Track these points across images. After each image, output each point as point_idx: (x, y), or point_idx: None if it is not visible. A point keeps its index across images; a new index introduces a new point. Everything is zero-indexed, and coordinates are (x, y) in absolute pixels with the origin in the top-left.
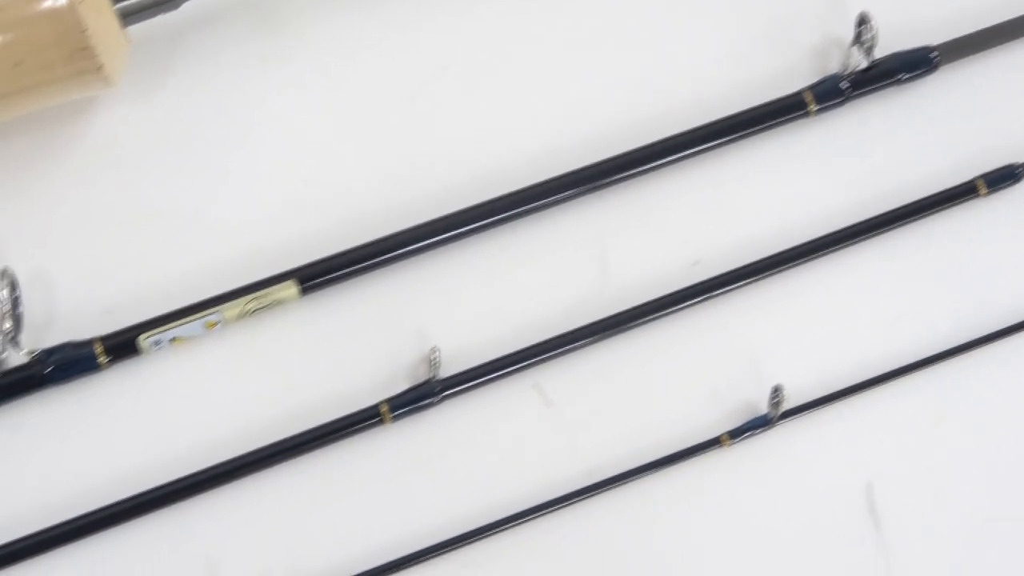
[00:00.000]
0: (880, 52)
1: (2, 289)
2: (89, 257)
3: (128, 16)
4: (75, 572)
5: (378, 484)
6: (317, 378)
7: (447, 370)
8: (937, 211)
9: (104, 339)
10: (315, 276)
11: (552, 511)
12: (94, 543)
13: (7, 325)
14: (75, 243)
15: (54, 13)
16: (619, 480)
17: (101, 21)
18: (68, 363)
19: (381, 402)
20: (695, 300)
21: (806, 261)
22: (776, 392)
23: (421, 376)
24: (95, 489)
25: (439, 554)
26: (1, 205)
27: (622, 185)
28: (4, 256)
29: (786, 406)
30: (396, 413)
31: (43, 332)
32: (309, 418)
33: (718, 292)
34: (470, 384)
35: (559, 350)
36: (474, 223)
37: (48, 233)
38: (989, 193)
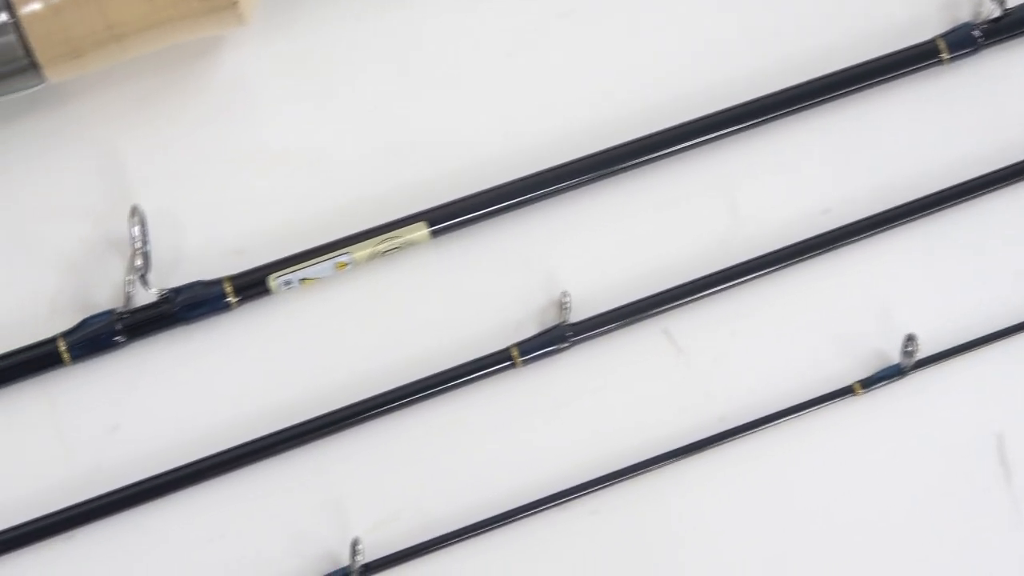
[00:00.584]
0: (1012, 1)
1: (133, 227)
2: (218, 196)
3: None
4: (204, 513)
5: (508, 428)
6: (446, 321)
7: (577, 315)
8: None
9: (234, 278)
10: (445, 218)
11: (682, 459)
12: (221, 484)
13: (138, 263)
14: (204, 182)
15: None
16: (750, 428)
17: None
18: (197, 302)
19: (512, 345)
20: (826, 248)
21: (937, 211)
22: (909, 341)
23: (550, 320)
24: (222, 429)
25: (567, 500)
26: (131, 143)
27: (753, 131)
28: (133, 194)
29: (919, 355)
30: (527, 357)
31: (171, 271)
32: (438, 361)
33: (849, 240)
34: (601, 330)
35: (689, 297)
36: (605, 168)
37: (177, 172)
38: None
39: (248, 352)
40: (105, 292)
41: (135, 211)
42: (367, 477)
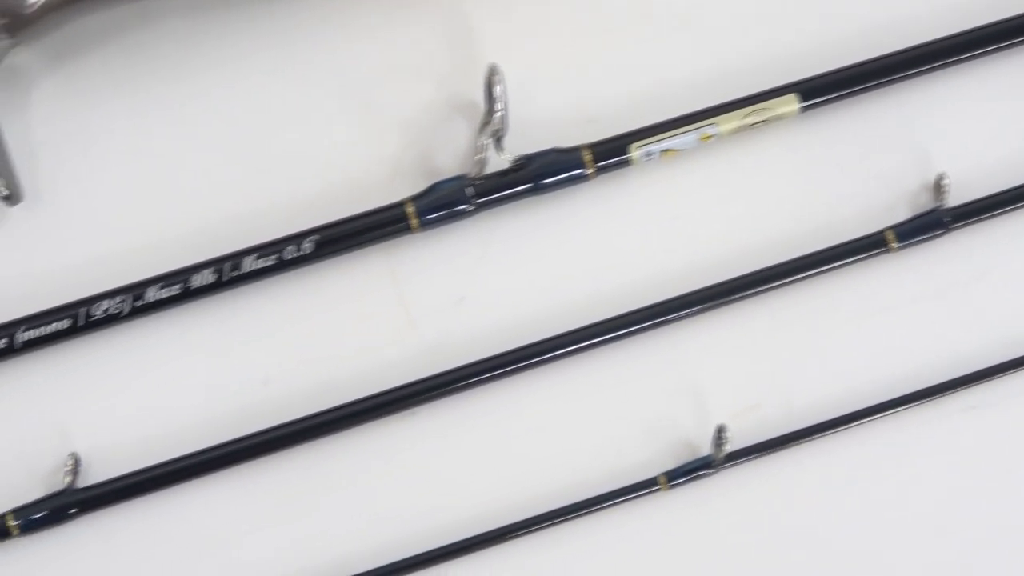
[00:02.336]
0: None
1: (494, 85)
2: (569, 60)
3: None
4: (552, 394)
5: (879, 316)
6: (812, 200)
7: (953, 200)
8: None
9: (593, 146)
10: (817, 91)
11: None
12: (570, 364)
13: (495, 126)
14: (555, 44)
15: None
16: None
17: None
18: (553, 169)
19: (886, 229)
20: None
21: None
22: None
23: (923, 205)
24: (573, 306)
25: (941, 395)
26: (479, 1)
27: None
28: (481, 55)
29: None
30: (904, 243)
31: (517, 138)
32: (802, 242)
33: None
34: (981, 216)
35: None
36: (990, 44)
37: (527, 32)
38: None
39: (603, 225)
40: (448, 158)
41: (494, 70)
42: (727, 363)
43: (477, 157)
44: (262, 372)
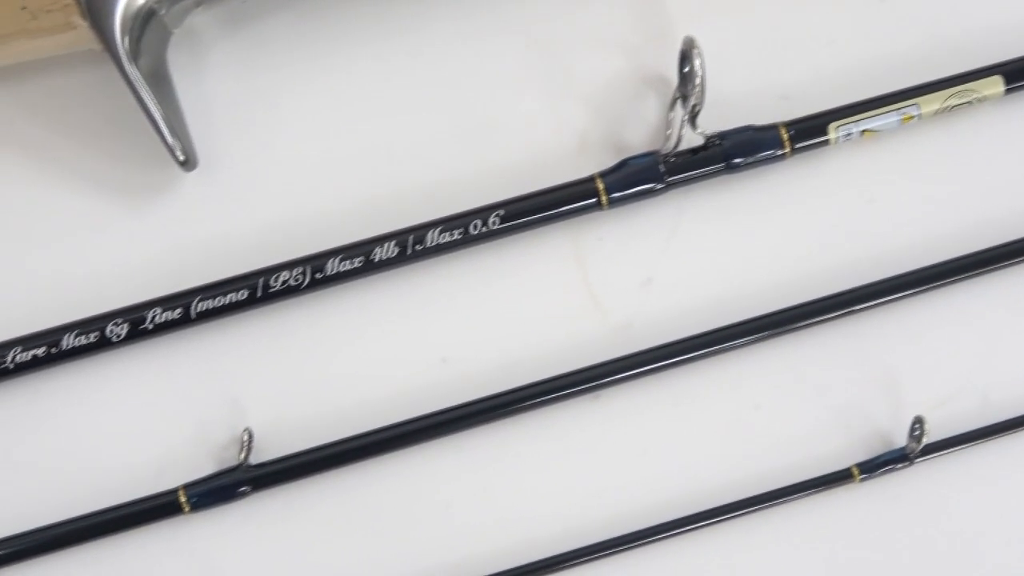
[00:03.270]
0: None
1: (694, 59)
2: (765, 36)
3: None
4: (741, 380)
5: None
6: (1015, 184)
7: None
8: None
9: (789, 124)
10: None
11: None
12: (757, 351)
13: (692, 101)
14: (750, 19)
15: None
16: None
17: None
18: (749, 148)
19: None
20: None
21: None
22: None
23: None
24: (764, 289)
25: None
26: None
27: None
28: (672, 28)
29: None
30: None
31: (708, 113)
32: (1005, 228)
33: None
34: None
35: None
36: None
37: (723, 6)
38: None
39: (798, 206)
40: (635, 133)
41: (692, 43)
42: (921, 353)
43: (669, 132)
44: (441, 350)
